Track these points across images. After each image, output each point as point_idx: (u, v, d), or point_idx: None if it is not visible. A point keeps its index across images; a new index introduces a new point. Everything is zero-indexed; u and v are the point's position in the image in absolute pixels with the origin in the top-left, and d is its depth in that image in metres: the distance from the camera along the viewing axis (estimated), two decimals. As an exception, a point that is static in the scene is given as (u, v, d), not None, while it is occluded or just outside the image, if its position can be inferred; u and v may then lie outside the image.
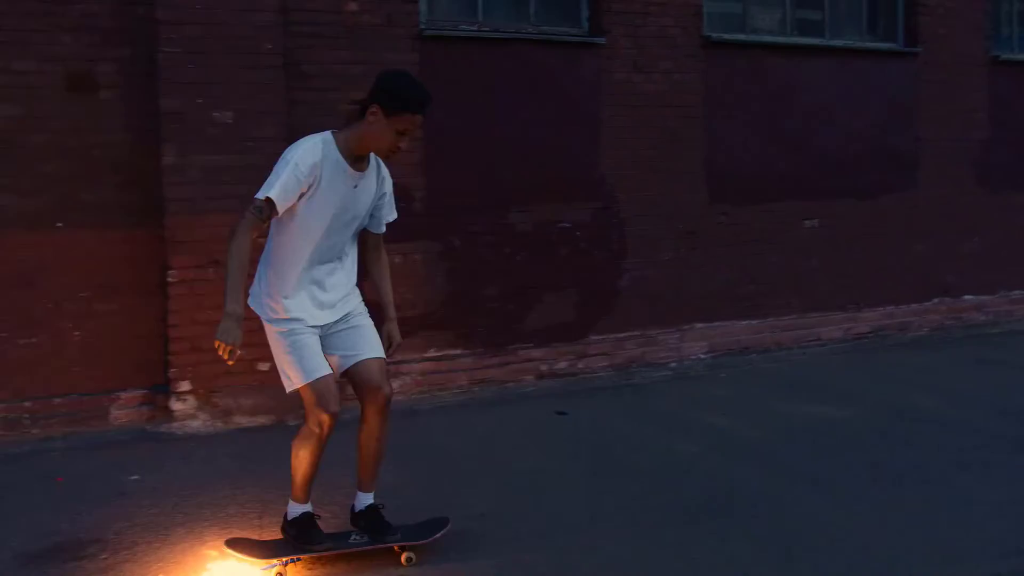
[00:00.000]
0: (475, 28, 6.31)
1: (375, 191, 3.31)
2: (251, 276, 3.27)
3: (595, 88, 6.60)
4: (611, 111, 6.67)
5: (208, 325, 4.66)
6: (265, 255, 3.30)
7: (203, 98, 5.29)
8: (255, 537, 3.56)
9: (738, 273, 7.24)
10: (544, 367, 6.52)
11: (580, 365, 6.65)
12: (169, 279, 5.26)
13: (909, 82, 8.01)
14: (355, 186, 3.19)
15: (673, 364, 6.91)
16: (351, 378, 3.35)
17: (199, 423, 5.33)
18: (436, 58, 6.08)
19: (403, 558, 3.37)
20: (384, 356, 3.40)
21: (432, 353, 6.22)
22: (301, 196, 3.07)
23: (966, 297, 8.38)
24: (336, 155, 3.11)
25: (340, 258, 3.30)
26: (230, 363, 3.09)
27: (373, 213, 3.37)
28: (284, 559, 3.29)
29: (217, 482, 4.29)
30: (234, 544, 3.38)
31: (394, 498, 3.60)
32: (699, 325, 7.08)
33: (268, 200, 3.02)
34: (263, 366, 5.12)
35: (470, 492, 4.17)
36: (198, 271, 5.29)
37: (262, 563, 3.26)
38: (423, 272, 6.14)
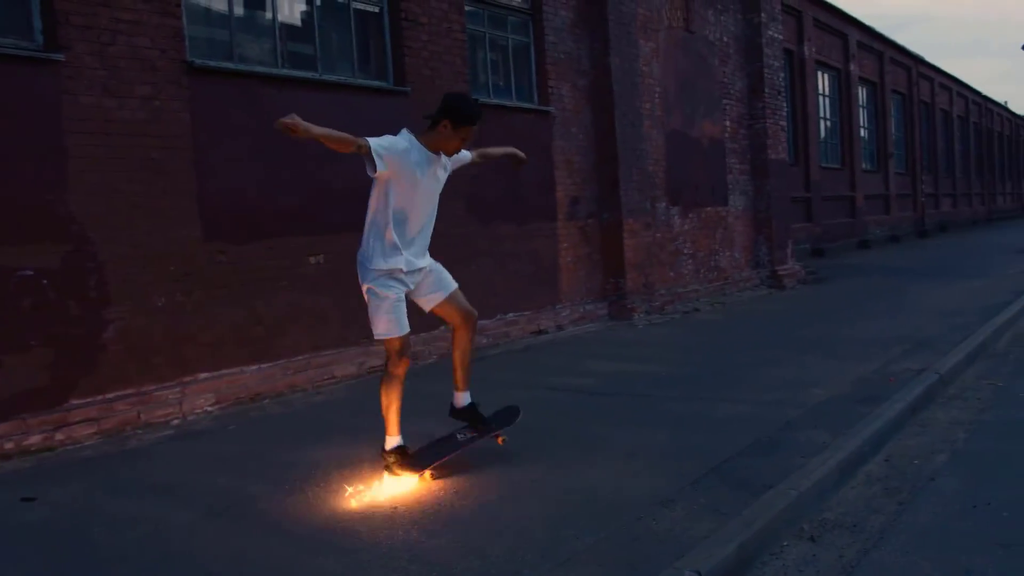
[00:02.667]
0: None
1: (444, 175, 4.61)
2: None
3: (56, 112, 5.67)
4: (79, 139, 5.78)
5: None
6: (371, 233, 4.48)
7: None
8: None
9: (243, 315, 6.76)
10: (9, 444, 5.38)
11: (59, 436, 5.62)
12: None
13: (402, 119, 8.18)
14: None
15: (176, 422, 6.18)
16: (444, 308, 4.67)
17: None
18: None
19: (500, 440, 4.77)
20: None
21: None
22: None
23: (468, 323, 8.82)
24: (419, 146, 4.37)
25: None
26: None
27: None
28: (434, 464, 4.46)
29: None
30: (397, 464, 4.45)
31: None
32: (203, 375, 6.44)
33: None
34: None
35: None
36: None
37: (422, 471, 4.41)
38: None
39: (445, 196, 8.64)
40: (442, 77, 8.62)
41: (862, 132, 25.42)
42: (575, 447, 5.09)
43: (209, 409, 6.42)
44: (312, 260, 7.32)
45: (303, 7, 7.80)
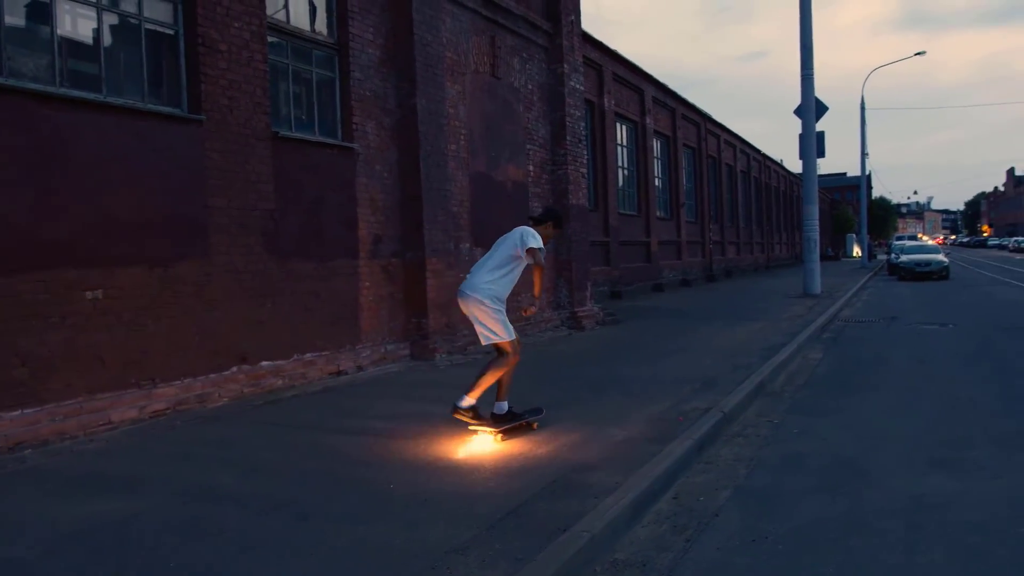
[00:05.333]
0: None
1: None
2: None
3: None
4: None
5: None
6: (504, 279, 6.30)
7: None
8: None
9: (4, 355, 6.11)
10: None
11: None
12: None
13: (196, 149, 7.83)
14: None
15: (-84, 476, 5.46)
16: None
17: None
18: None
19: (534, 425, 6.46)
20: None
21: None
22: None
23: (263, 363, 8.44)
24: None
25: None
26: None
27: None
28: (501, 427, 6.22)
29: None
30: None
31: None
32: (-47, 423, 5.75)
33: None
34: None
35: None
36: None
37: (492, 430, 6.17)
38: None
39: (243, 232, 8.40)
40: (241, 107, 8.28)
41: (657, 182, 26.84)
42: (366, 494, 4.91)
43: (-41, 460, 5.73)
44: (89, 295, 6.75)
45: (89, 23, 7.27)
